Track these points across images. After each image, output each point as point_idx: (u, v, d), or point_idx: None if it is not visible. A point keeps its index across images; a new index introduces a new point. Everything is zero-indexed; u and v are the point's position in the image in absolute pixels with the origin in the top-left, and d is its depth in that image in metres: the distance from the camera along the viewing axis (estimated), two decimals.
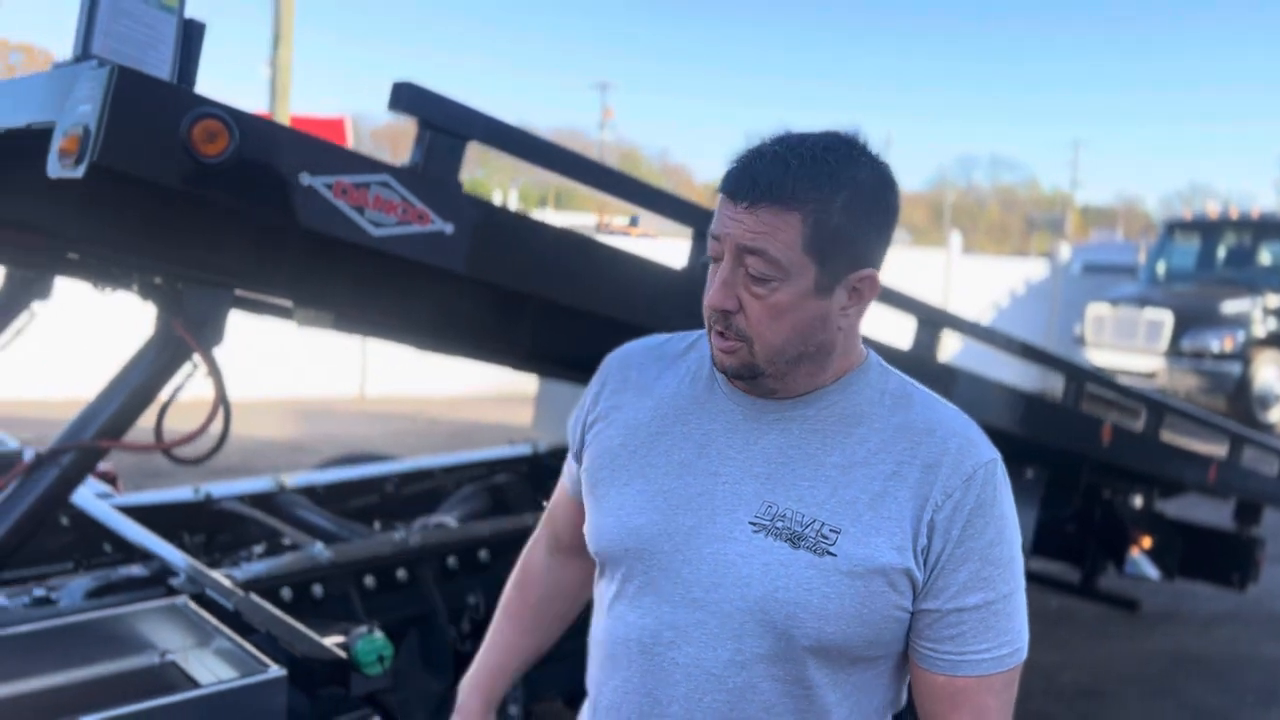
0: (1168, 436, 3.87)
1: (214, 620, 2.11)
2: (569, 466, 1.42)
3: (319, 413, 9.93)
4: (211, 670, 2.07)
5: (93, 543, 2.97)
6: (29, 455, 3.31)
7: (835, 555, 1.12)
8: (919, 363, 2.93)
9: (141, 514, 3.05)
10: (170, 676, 2.11)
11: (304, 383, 10.55)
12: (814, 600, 1.12)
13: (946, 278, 14.23)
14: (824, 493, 1.15)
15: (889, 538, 1.13)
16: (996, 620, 1.16)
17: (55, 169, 1.52)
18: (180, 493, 3.34)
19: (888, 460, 1.16)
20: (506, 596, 1.53)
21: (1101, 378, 3.92)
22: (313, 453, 7.51)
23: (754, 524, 1.16)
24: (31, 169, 1.99)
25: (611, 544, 1.25)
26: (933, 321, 2.84)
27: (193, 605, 2.18)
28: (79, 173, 1.46)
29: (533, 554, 1.53)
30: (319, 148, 1.71)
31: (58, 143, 1.51)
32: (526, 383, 12.06)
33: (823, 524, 1.14)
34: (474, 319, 2.38)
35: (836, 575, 1.12)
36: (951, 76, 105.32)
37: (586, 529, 1.31)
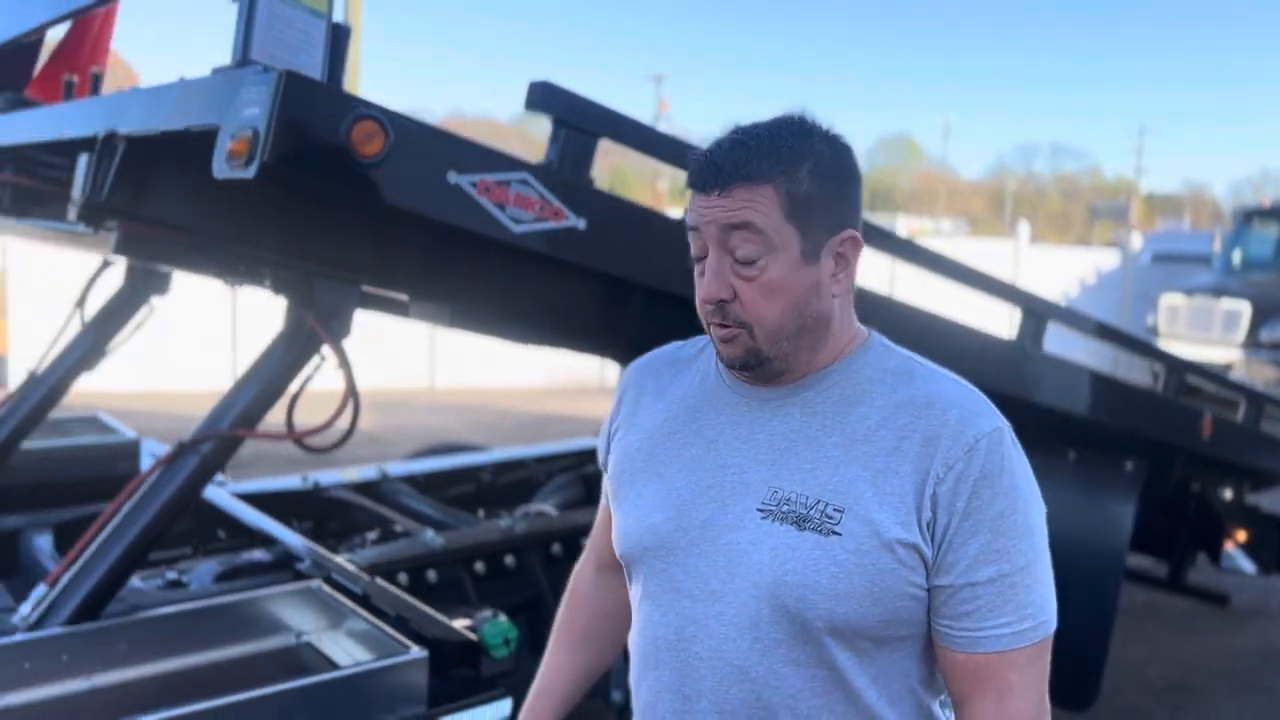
0: (1266, 429, 3.82)
1: (349, 603, 2.18)
2: (605, 482, 1.42)
3: (391, 404, 10.09)
4: (346, 651, 2.15)
5: (207, 528, 3.08)
6: (146, 445, 3.44)
7: (840, 534, 1.12)
8: (1024, 355, 2.93)
9: (253, 501, 3.16)
10: (306, 657, 2.19)
11: (374, 375, 10.72)
12: (823, 580, 1.12)
13: (1015, 268, 14.04)
14: (826, 473, 1.15)
15: (893, 513, 1.12)
16: (1014, 594, 1.13)
17: (223, 170, 1.59)
18: (289, 481, 3.44)
19: (889, 436, 1.15)
20: (558, 618, 1.54)
21: (1203, 369, 3.87)
22: (388, 444, 7.65)
23: (761, 510, 1.17)
24: (177, 170, 2.08)
25: (632, 545, 1.27)
26: (1038, 313, 2.83)
27: (326, 589, 2.25)
28: (249, 173, 1.53)
29: (581, 575, 1.53)
30: (465, 147, 1.77)
31: (226, 145, 1.58)
32: (588, 376, 12.15)
33: (827, 504, 1.14)
34: (584, 311, 2.42)
35: (843, 554, 1.12)
36: (1011, 65, 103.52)
37: (613, 536, 1.32)
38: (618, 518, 1.31)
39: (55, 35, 3.10)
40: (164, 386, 9.88)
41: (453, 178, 1.75)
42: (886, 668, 1.18)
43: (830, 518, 1.13)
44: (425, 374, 11.33)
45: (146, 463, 3.41)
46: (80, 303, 3.10)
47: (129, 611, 2.17)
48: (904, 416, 1.16)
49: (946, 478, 1.12)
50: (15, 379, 9.58)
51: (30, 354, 10.01)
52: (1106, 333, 3.16)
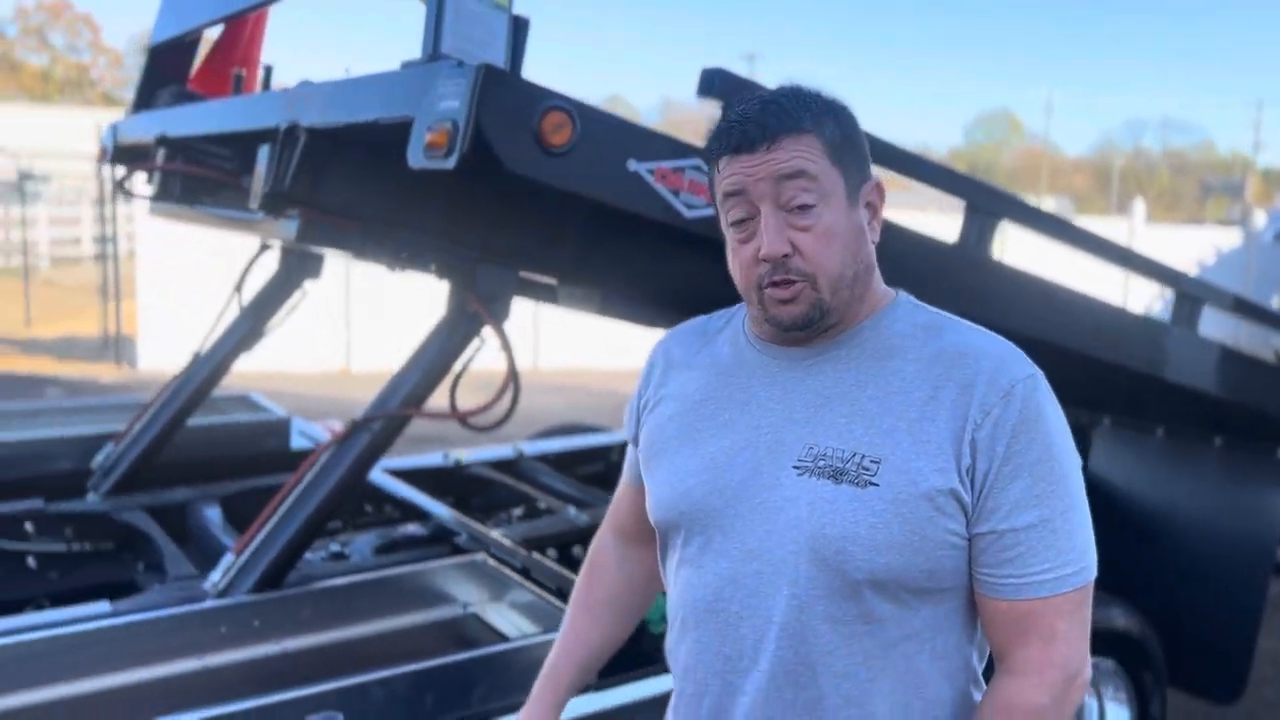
0: None
1: (515, 576, 2.26)
2: (629, 455, 1.45)
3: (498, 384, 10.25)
4: (512, 623, 2.23)
5: (355, 502, 3.21)
6: (295, 423, 3.59)
7: (878, 485, 1.12)
8: (1178, 337, 2.86)
9: (399, 477, 3.28)
10: (473, 628, 2.28)
11: (480, 356, 10.93)
12: (861, 532, 1.12)
13: (1129, 247, 13.58)
14: (861, 426, 1.15)
15: (931, 460, 1.12)
16: (1055, 539, 1.13)
17: (420, 161, 1.66)
18: (432, 458, 3.56)
19: (923, 386, 1.15)
20: (577, 588, 1.53)
21: None
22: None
23: (797, 467, 1.17)
24: (352, 160, 2.17)
25: (668, 511, 1.27)
26: (1192, 296, 2.77)
27: (491, 562, 2.34)
28: (449, 164, 1.59)
29: (601, 546, 1.53)
30: (644, 135, 1.81)
31: (424, 137, 1.64)
32: None
33: (863, 456, 1.14)
34: (725, 293, 2.45)
35: (881, 504, 1.11)
36: (1119, 38, 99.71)
37: (647, 505, 1.33)
38: (651, 487, 1.31)
39: (212, 32, 3.24)
40: (279, 368, 10.23)
41: (632, 165, 1.79)
42: (929, 621, 1.17)
43: (867, 469, 1.13)
44: (529, 355, 11.51)
45: (296, 440, 3.57)
46: (238, 287, 3.24)
47: (303, 581, 2.28)
48: (938, 367, 1.16)
49: (984, 423, 1.12)
50: (144, 361, 10.05)
51: (158, 336, 10.43)
52: (1264, 315, 3.06)
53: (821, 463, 1.15)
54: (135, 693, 1.90)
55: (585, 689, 1.71)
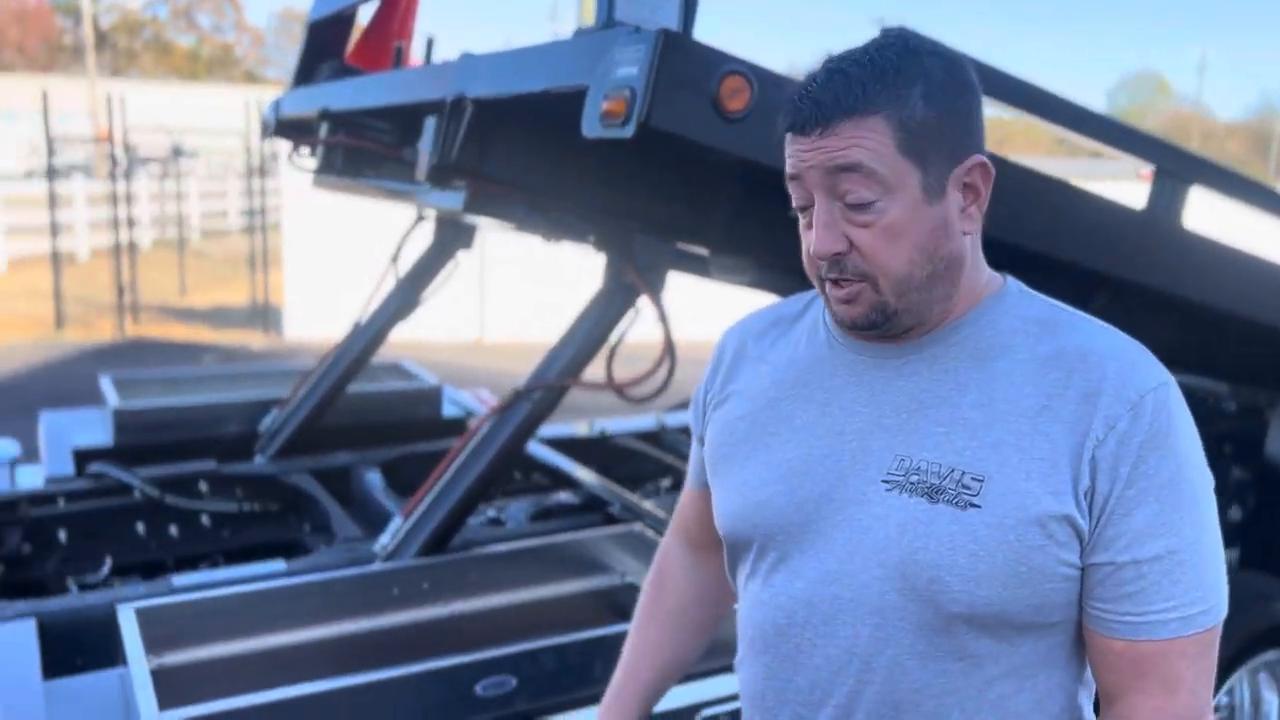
0: None
1: None
2: (694, 454, 1.32)
3: (634, 356, 10.32)
4: None
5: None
6: (446, 391, 3.66)
7: (980, 506, 0.98)
8: None
9: (547, 446, 3.32)
10: (631, 598, 2.28)
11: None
12: (959, 560, 0.98)
13: None
14: (963, 438, 1.01)
15: (1042, 481, 0.98)
16: (1183, 573, 0.98)
17: (595, 129, 1.64)
18: (575, 428, 3.59)
19: (1036, 394, 1.01)
20: (643, 600, 1.41)
21: None
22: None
23: (887, 481, 1.03)
24: (517, 131, 2.18)
25: (738, 524, 1.15)
26: None
27: (649, 533, 2.34)
28: (626, 132, 1.57)
29: (668, 554, 1.41)
30: None
31: (600, 105, 1.63)
32: None
33: (963, 472, 1.00)
34: None
35: (984, 529, 0.98)
36: None
37: (714, 514, 1.21)
38: (720, 495, 1.19)
39: (367, 8, 3.31)
40: (415, 337, 10.51)
41: None
42: (1030, 658, 1.03)
43: (968, 488, 0.99)
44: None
45: (447, 409, 3.65)
46: (394, 258, 3.32)
47: (464, 546, 2.33)
48: (1056, 371, 1.02)
49: (1108, 439, 0.98)
50: (289, 330, 10.45)
51: (303, 306, 10.82)
52: None
53: (915, 478, 1.02)
54: (314, 650, 1.97)
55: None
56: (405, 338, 10.27)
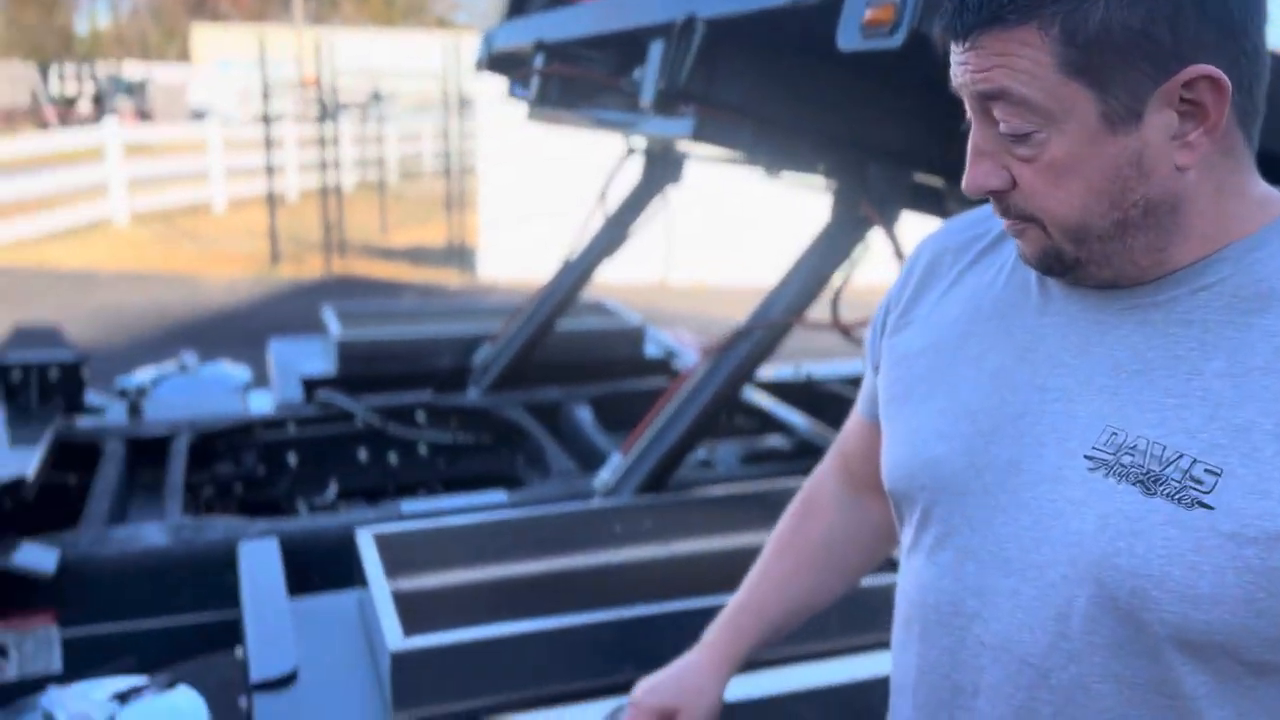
0: None
1: None
2: (866, 379, 1.14)
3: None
4: None
5: None
6: (651, 331, 3.62)
7: (1213, 508, 0.75)
8: None
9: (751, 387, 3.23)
10: None
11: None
12: (1175, 572, 0.76)
13: None
14: (1199, 415, 0.78)
15: None
16: None
17: (855, 42, 1.52)
18: (781, 371, 3.48)
19: None
20: (782, 527, 1.23)
21: None
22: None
23: (1092, 458, 0.82)
24: (745, 54, 2.07)
25: (904, 480, 0.97)
26: None
27: None
28: (894, 42, 1.44)
29: (821, 484, 1.23)
30: None
31: (862, 14, 1.50)
32: None
33: (1194, 460, 0.77)
34: None
35: (1214, 538, 0.75)
36: None
37: (882, 462, 1.02)
38: (889, 441, 1.01)
39: None
40: (599, 278, 10.61)
41: None
42: (1268, 704, 0.79)
43: (1199, 481, 0.76)
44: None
45: (650, 349, 3.61)
46: (602, 195, 3.27)
47: (679, 486, 2.28)
48: None
49: None
50: (484, 270, 10.73)
51: (495, 247, 11.11)
52: None
53: (1127, 459, 0.80)
54: (546, 583, 1.96)
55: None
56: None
